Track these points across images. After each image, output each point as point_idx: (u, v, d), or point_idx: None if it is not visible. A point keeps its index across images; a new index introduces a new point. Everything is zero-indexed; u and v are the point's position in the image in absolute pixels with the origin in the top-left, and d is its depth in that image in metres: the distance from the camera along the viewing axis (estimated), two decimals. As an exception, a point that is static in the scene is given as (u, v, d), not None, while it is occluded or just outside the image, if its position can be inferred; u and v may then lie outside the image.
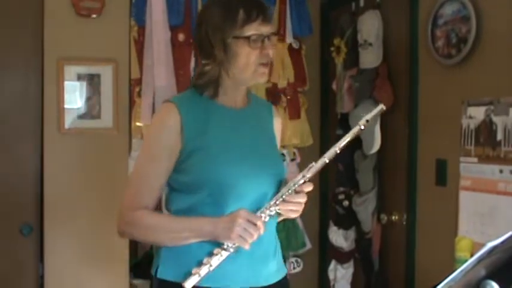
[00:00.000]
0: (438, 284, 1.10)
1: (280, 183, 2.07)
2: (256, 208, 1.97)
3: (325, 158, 1.98)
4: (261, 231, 1.91)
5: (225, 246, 1.92)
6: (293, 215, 2.04)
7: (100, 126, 3.32)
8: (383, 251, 3.52)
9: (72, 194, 3.28)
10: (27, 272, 3.30)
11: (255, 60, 2.00)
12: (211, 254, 1.92)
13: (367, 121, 1.96)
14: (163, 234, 2.03)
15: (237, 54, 1.99)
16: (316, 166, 1.98)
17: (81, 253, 3.29)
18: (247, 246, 1.91)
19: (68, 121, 3.27)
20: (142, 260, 3.75)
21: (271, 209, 1.96)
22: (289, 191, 1.97)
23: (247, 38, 1.97)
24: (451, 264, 2.74)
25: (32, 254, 3.30)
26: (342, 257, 3.77)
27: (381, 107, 1.95)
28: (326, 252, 4.01)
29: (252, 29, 1.98)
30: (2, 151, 3.25)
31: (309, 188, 2.00)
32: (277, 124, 2.25)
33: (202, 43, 2.05)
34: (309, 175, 1.98)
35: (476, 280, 1.05)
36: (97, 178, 3.32)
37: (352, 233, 3.71)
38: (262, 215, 1.95)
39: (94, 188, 3.31)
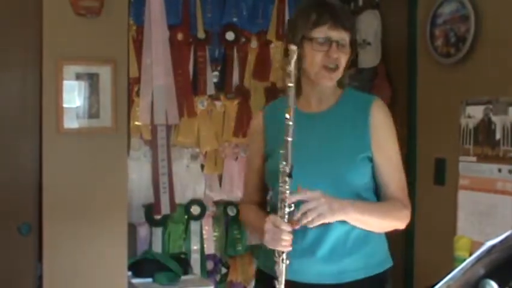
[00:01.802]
0: (437, 283, 1.10)
1: (344, 184, 2.06)
2: None
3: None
4: (286, 232, 1.92)
5: (276, 254, 1.97)
6: (319, 220, 1.94)
7: (99, 125, 3.32)
8: (382, 250, 3.52)
9: (71, 194, 3.28)
10: (26, 272, 3.30)
11: (318, 62, 2.05)
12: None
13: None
14: (249, 227, 2.48)
15: (304, 54, 2.05)
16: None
17: (79, 252, 3.28)
18: (284, 248, 1.94)
19: (67, 120, 3.26)
20: (141, 259, 3.75)
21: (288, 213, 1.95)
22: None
23: (311, 40, 2.04)
24: (450, 263, 2.75)
25: (30, 253, 3.30)
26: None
27: None
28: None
29: (320, 32, 2.04)
30: (1, 150, 3.24)
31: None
32: (375, 120, 2.12)
33: (288, 41, 2.10)
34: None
35: (475, 279, 1.05)
36: (96, 177, 3.32)
37: (351, 232, 3.71)
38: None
39: (93, 187, 3.31)
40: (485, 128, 2.70)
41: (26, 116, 3.28)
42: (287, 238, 1.93)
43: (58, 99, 3.24)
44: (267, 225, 1.96)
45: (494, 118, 2.66)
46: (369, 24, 3.44)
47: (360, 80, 3.50)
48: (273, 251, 1.98)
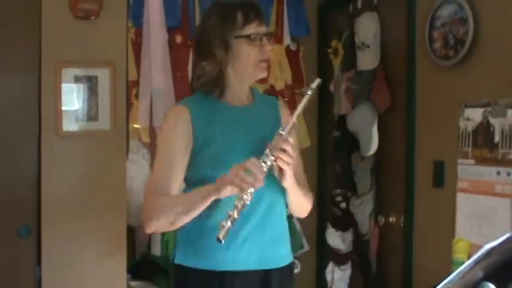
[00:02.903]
0: (436, 286, 1.11)
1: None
2: (258, 197, 2.11)
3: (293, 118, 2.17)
4: (257, 170, 2.01)
5: (242, 196, 2.01)
6: (284, 166, 2.11)
7: (97, 128, 3.32)
8: (380, 253, 3.52)
9: (70, 196, 3.28)
10: (25, 274, 3.30)
11: (255, 56, 2.20)
12: (233, 207, 2.03)
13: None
14: (181, 205, 2.14)
15: (239, 52, 2.19)
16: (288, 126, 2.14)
17: (78, 255, 3.28)
18: (252, 186, 2.00)
19: (66, 123, 3.27)
20: (140, 261, 3.75)
21: (265, 160, 2.07)
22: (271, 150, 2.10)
23: (248, 36, 2.18)
24: (449, 266, 2.75)
25: (29, 255, 3.29)
26: (339, 258, 3.77)
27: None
28: (324, 254, 4.01)
29: (251, 29, 2.19)
30: (0, 153, 3.25)
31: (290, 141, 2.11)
32: (285, 114, 2.37)
33: (201, 45, 2.25)
34: (284, 132, 2.12)
35: (474, 282, 1.05)
36: (95, 180, 3.32)
37: (349, 235, 3.71)
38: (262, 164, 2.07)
39: (92, 189, 3.31)
40: (484, 131, 2.71)
41: (24, 118, 3.28)
42: (255, 171, 2.00)
43: (57, 102, 3.24)
44: (235, 167, 2.02)
45: (492, 121, 2.66)
46: (368, 26, 3.44)
47: (358, 83, 3.50)
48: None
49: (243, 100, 2.30)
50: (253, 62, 2.21)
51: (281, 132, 2.12)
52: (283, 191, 2.26)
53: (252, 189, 2.00)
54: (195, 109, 2.20)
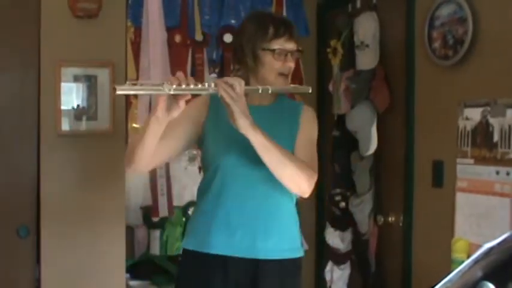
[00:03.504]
0: (435, 285, 1.11)
1: None
2: (251, 187, 2.34)
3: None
4: (180, 75, 2.08)
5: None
6: (225, 95, 2.13)
7: (96, 127, 3.32)
8: (380, 252, 3.52)
9: (69, 196, 3.28)
10: (24, 274, 3.30)
11: (276, 70, 2.37)
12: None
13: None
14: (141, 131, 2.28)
15: (263, 63, 2.36)
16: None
17: (77, 254, 3.28)
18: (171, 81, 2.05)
19: (65, 122, 3.26)
20: (139, 261, 3.75)
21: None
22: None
23: (273, 51, 2.34)
24: (448, 265, 2.75)
25: (29, 255, 3.29)
26: (338, 258, 3.77)
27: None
28: (322, 254, 4.01)
29: (278, 44, 2.35)
30: (-1, 152, 3.25)
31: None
32: (306, 115, 2.52)
33: (236, 51, 2.43)
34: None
35: (473, 281, 1.05)
36: (94, 179, 3.32)
37: (348, 234, 3.71)
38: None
39: (91, 189, 3.31)
40: (483, 130, 2.71)
41: (23, 118, 3.28)
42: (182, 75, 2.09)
43: (56, 101, 3.24)
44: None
45: (492, 120, 2.66)
46: (367, 26, 3.44)
47: (358, 82, 3.50)
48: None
49: (262, 101, 2.44)
50: (274, 74, 2.36)
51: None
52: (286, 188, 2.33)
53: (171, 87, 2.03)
54: (215, 99, 2.28)
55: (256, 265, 2.34)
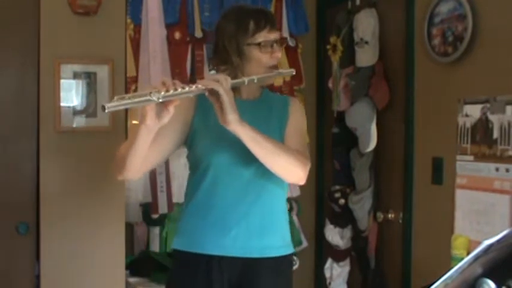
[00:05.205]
0: (434, 282, 1.11)
1: None
2: (244, 186, 2.31)
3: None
4: (167, 81, 2.05)
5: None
6: (214, 88, 2.10)
7: (96, 124, 3.32)
8: (379, 249, 3.53)
9: (69, 193, 3.28)
10: (24, 271, 3.30)
11: (265, 63, 2.33)
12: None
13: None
14: (130, 139, 2.23)
15: (250, 59, 2.32)
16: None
17: (77, 251, 3.28)
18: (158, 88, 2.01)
19: (64, 119, 3.26)
20: (138, 258, 3.75)
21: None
22: None
23: (258, 44, 2.30)
24: (448, 262, 2.75)
25: (28, 252, 3.29)
26: (338, 255, 3.77)
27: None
28: (322, 251, 4.02)
29: (262, 37, 2.31)
30: (-2, 149, 3.25)
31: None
32: (294, 106, 2.48)
33: (219, 52, 2.36)
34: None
35: (473, 278, 1.05)
36: (93, 176, 3.32)
37: (348, 231, 3.72)
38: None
39: (90, 186, 3.31)
40: (482, 127, 2.71)
41: (23, 114, 3.28)
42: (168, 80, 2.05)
43: (55, 98, 3.24)
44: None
45: (491, 117, 2.66)
46: (367, 23, 3.44)
47: (357, 79, 3.50)
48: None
49: (250, 95, 2.42)
50: (263, 67, 2.32)
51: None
52: (279, 183, 2.34)
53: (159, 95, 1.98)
54: (202, 98, 2.23)
55: (251, 264, 2.32)
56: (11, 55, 3.28)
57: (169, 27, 3.66)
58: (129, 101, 1.99)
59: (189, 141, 2.36)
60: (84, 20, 3.28)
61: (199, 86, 2.09)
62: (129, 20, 3.56)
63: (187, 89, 2.06)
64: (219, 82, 2.09)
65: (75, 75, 3.29)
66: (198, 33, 3.77)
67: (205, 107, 2.27)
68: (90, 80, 3.31)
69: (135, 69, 3.60)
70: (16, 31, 3.25)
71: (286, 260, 2.43)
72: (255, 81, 2.26)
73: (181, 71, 3.70)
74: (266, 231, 2.35)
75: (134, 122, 3.62)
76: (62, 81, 3.25)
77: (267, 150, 2.19)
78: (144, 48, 3.61)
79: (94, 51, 3.31)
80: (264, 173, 2.26)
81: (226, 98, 2.08)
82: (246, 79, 2.23)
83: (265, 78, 2.34)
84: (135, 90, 3.61)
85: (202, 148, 2.33)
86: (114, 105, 1.95)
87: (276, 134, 2.33)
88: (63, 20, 3.25)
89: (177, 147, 2.40)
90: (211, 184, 2.32)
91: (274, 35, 2.34)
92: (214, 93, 2.09)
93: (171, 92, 2.01)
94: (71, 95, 3.28)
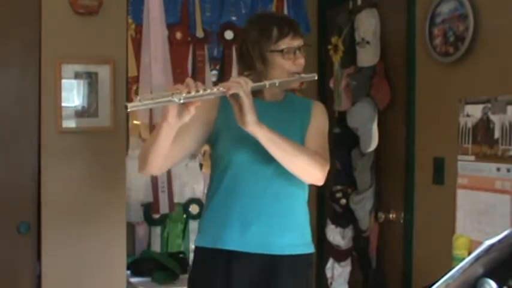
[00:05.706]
0: (436, 282, 1.11)
1: None
2: (264, 183, 2.34)
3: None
4: (190, 81, 2.12)
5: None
6: (235, 87, 2.16)
7: (97, 124, 3.32)
8: (380, 249, 3.53)
9: (70, 193, 3.28)
10: (25, 270, 3.30)
11: (288, 69, 2.36)
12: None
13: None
14: (153, 135, 2.28)
15: (273, 65, 2.36)
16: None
17: (78, 251, 3.29)
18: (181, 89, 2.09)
19: (65, 119, 3.26)
20: (139, 258, 3.75)
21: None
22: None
23: (281, 51, 2.34)
24: (449, 262, 2.75)
25: (29, 252, 3.30)
26: (339, 255, 3.77)
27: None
28: (323, 251, 4.01)
29: (285, 43, 2.35)
30: (0, 149, 3.24)
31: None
32: (317, 109, 2.53)
33: (243, 57, 2.41)
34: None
35: (474, 278, 1.05)
36: (94, 176, 3.32)
37: (349, 231, 3.72)
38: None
39: (91, 186, 3.31)
40: (483, 127, 2.71)
41: (24, 115, 3.28)
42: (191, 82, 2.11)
43: (57, 98, 3.24)
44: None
45: (492, 117, 2.66)
46: (368, 23, 3.44)
47: (358, 79, 3.50)
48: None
49: (273, 98, 2.45)
50: (286, 74, 2.36)
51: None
52: (298, 183, 2.37)
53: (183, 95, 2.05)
54: (225, 99, 2.26)
55: (270, 261, 2.35)
56: (13, 55, 3.28)
57: (171, 27, 3.67)
58: (151, 101, 2.05)
59: (212, 140, 2.41)
60: (86, 20, 3.28)
61: (221, 88, 2.14)
62: (130, 20, 3.56)
63: (208, 91, 2.12)
64: (240, 84, 2.14)
65: (77, 75, 3.29)
66: (200, 33, 3.78)
67: (228, 108, 2.29)
68: (92, 80, 3.31)
69: (136, 69, 3.60)
70: (17, 31, 3.25)
71: (306, 259, 2.45)
72: (276, 84, 2.30)
73: (183, 71, 3.71)
74: (286, 229, 2.38)
75: (135, 122, 3.62)
76: (63, 81, 3.25)
77: (285, 151, 2.24)
78: (145, 48, 3.61)
79: (95, 51, 3.31)
80: (283, 172, 2.30)
81: (246, 100, 2.13)
82: (267, 82, 2.26)
83: (286, 82, 2.38)
84: (136, 90, 3.62)
85: (223, 147, 2.38)
86: (135, 105, 2.02)
87: (297, 135, 2.38)
88: (64, 20, 3.25)
89: (198, 146, 2.46)
90: (232, 181, 2.36)
91: (297, 42, 2.38)
92: (234, 95, 2.14)
93: (193, 93, 2.07)
94: (72, 95, 3.29)
